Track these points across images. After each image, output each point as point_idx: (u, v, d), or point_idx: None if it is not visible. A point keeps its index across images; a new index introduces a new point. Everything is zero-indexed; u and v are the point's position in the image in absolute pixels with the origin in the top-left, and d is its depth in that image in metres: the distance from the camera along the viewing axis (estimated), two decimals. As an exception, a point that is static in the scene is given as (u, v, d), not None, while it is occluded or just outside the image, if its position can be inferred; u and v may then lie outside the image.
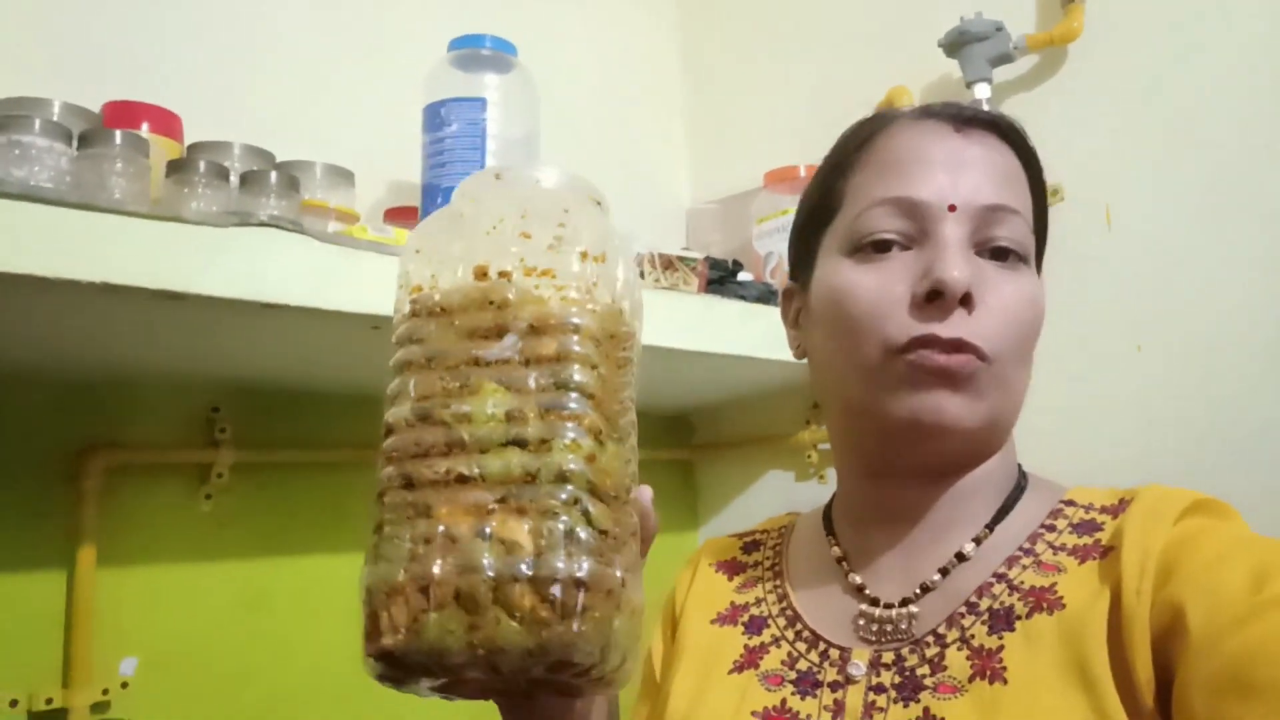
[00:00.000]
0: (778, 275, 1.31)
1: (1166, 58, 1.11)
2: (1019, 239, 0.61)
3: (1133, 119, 1.13)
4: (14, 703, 0.93)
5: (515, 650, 0.39)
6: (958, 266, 0.58)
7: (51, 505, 0.98)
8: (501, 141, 1.03)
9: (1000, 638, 0.57)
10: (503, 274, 0.46)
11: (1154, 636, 0.52)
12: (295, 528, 1.14)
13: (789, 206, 1.31)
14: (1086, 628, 0.54)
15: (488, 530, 0.40)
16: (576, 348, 0.45)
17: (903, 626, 0.61)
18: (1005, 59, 1.18)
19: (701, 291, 1.15)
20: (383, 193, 1.23)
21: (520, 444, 0.42)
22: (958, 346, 0.58)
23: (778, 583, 0.70)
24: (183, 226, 0.73)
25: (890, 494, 0.65)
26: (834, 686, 0.61)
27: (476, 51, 1.05)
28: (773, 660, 0.64)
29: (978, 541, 0.62)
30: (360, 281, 0.81)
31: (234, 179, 0.90)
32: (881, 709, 0.58)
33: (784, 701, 0.61)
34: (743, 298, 1.18)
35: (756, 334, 1.15)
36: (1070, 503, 0.64)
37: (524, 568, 0.40)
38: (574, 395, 0.43)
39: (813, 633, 0.64)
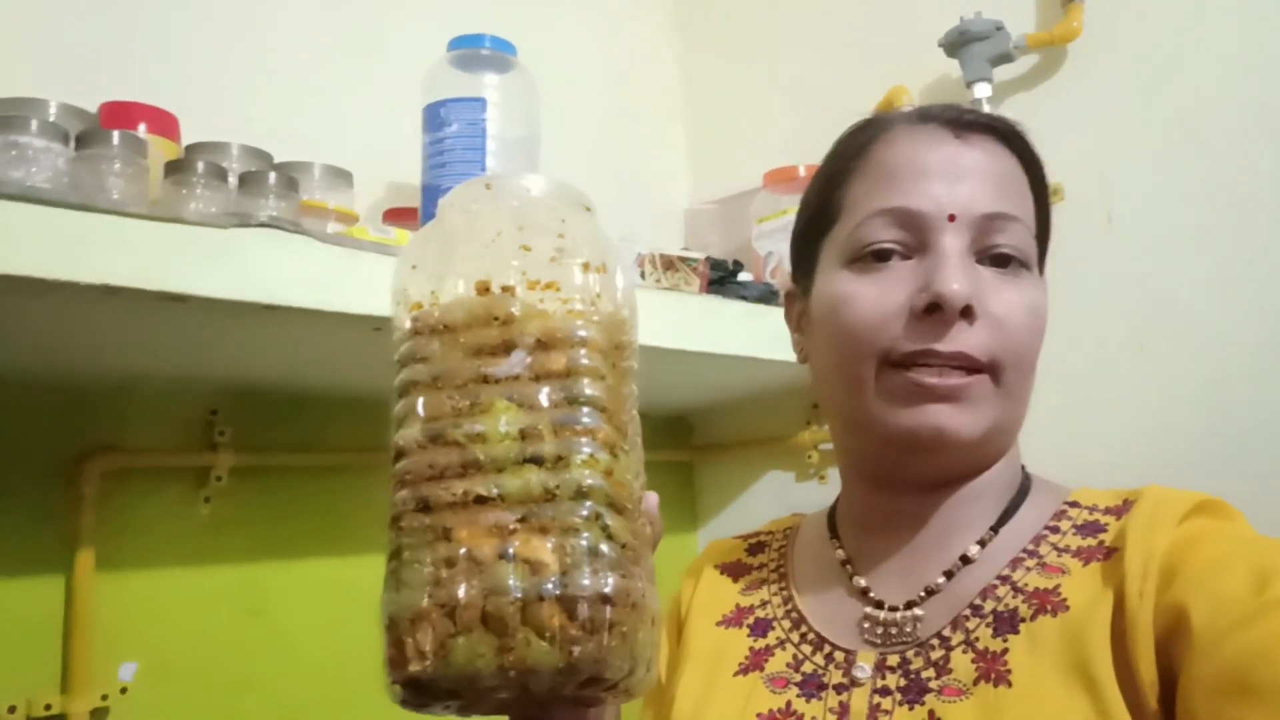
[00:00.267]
0: (778, 275, 1.30)
1: (1166, 57, 1.11)
2: (1020, 245, 0.61)
3: (1133, 118, 1.13)
4: (12, 709, 0.92)
5: (547, 670, 0.39)
6: (957, 279, 0.57)
7: (49, 509, 0.97)
8: (501, 142, 1.02)
9: (1005, 640, 0.57)
10: (506, 288, 0.46)
11: (1157, 638, 0.52)
12: (294, 531, 1.13)
13: (788, 206, 1.31)
14: (1090, 629, 0.54)
15: (511, 551, 0.40)
16: (585, 361, 0.44)
17: (907, 629, 0.61)
18: (1005, 59, 1.18)
19: (703, 292, 1.14)
20: (381, 193, 1.23)
21: (537, 462, 0.42)
22: (957, 360, 0.58)
23: (782, 585, 0.70)
24: (183, 228, 0.72)
25: (893, 501, 0.65)
26: (839, 689, 0.61)
27: (476, 51, 1.05)
28: (778, 663, 0.64)
29: (982, 544, 0.62)
30: (361, 283, 0.80)
31: (232, 180, 0.90)
32: (886, 712, 0.58)
33: (789, 704, 0.61)
34: (744, 298, 1.18)
35: (758, 334, 1.15)
36: (1074, 504, 0.64)
37: (551, 587, 0.40)
38: (586, 410, 0.43)
39: (818, 635, 0.64)
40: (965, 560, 0.62)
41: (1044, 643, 0.55)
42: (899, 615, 0.62)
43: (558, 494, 0.41)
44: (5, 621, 0.94)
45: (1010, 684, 0.55)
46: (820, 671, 0.62)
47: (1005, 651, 0.56)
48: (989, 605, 0.59)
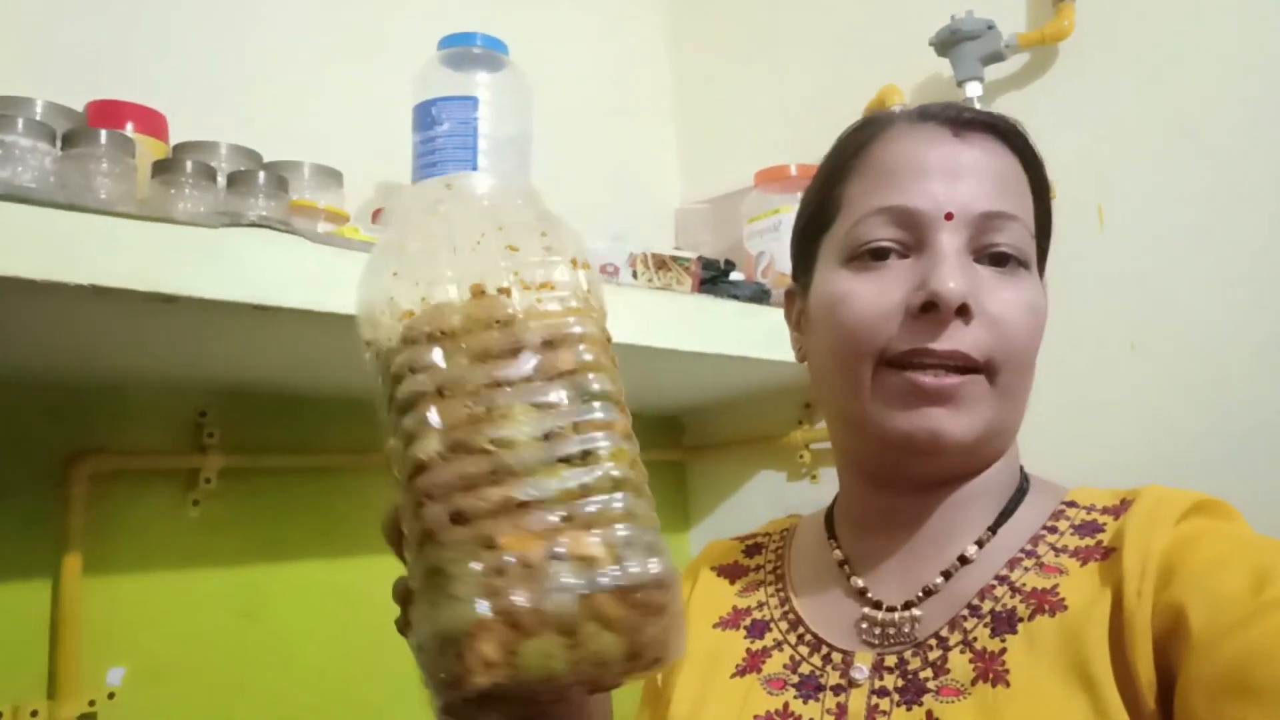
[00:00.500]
0: (769, 275, 1.30)
1: (1158, 56, 1.11)
2: (1018, 244, 0.61)
3: (1125, 117, 1.13)
4: (-1, 715, 0.92)
5: (618, 659, 0.41)
6: (954, 278, 0.57)
7: (37, 512, 0.96)
8: (492, 141, 1.02)
9: (1003, 640, 0.57)
10: (502, 290, 0.45)
11: (1155, 638, 0.52)
12: (285, 534, 1.12)
13: (780, 206, 1.31)
14: (1088, 629, 0.54)
15: (561, 550, 0.40)
16: (589, 356, 0.45)
17: (905, 630, 0.61)
18: (996, 58, 1.18)
19: (695, 291, 1.14)
20: (372, 193, 1.22)
21: (567, 461, 0.42)
22: (954, 359, 0.58)
23: (780, 586, 0.70)
24: (173, 227, 0.71)
25: (891, 501, 0.65)
26: (837, 690, 0.60)
27: (467, 50, 1.04)
28: (775, 664, 0.64)
29: (980, 545, 0.62)
30: (352, 283, 0.79)
31: (221, 179, 0.89)
32: (884, 712, 0.58)
33: (786, 705, 0.61)
34: (735, 297, 1.18)
35: (750, 334, 1.15)
36: (1072, 504, 0.64)
37: (607, 579, 0.40)
38: (599, 404, 0.44)
39: (815, 636, 0.64)
40: (963, 561, 0.62)
41: (1042, 643, 0.55)
42: (897, 616, 0.62)
43: (594, 489, 0.42)
44: (-8, 626, 0.93)
45: (1008, 684, 0.55)
46: (818, 673, 0.62)
47: (1003, 652, 0.56)
48: (987, 605, 0.59)
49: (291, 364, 1.00)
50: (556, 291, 0.46)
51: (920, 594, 0.62)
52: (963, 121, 0.63)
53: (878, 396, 0.60)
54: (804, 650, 0.64)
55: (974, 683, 0.56)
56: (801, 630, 0.65)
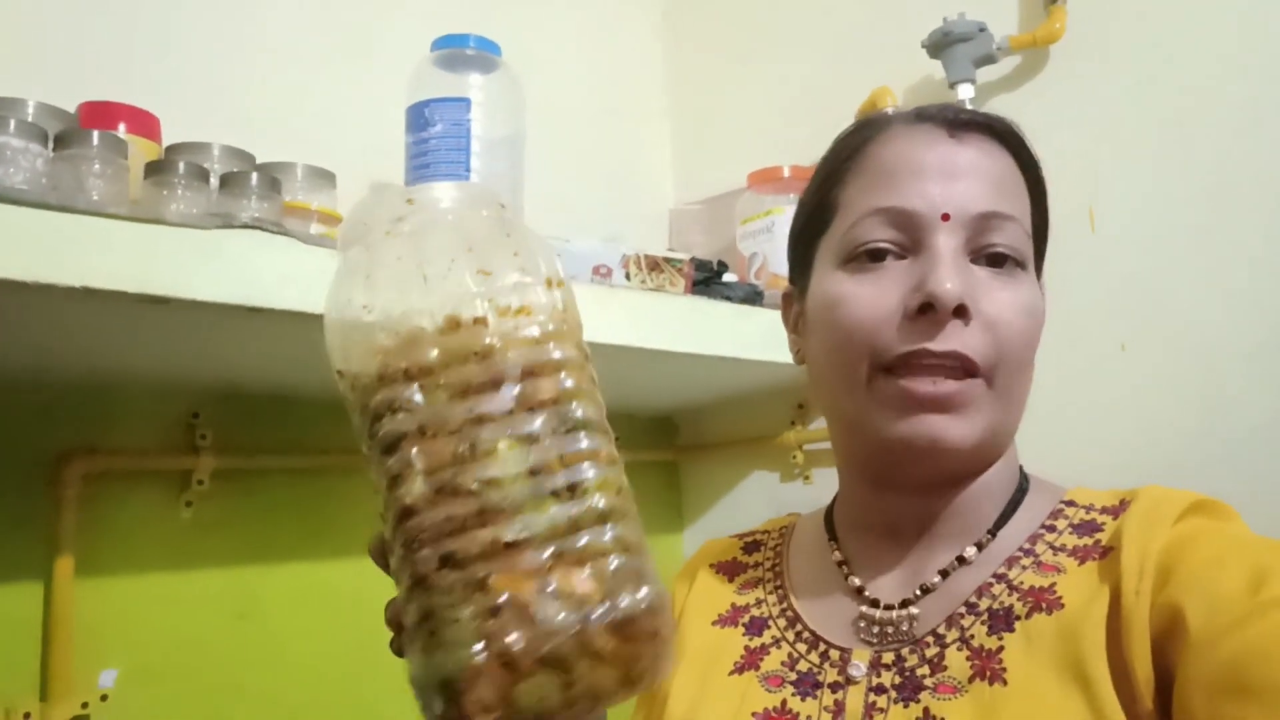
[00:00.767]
0: (762, 276, 1.31)
1: (1149, 59, 1.12)
2: (1015, 245, 0.61)
3: (1115, 119, 1.14)
4: (-10, 716, 0.91)
5: (613, 690, 0.41)
6: (950, 279, 0.57)
7: (28, 513, 0.96)
8: (486, 142, 1.02)
9: (1000, 638, 0.57)
10: (477, 320, 0.44)
11: (1153, 637, 0.52)
12: (278, 535, 1.12)
13: (772, 207, 1.31)
14: (1085, 628, 0.54)
15: (552, 588, 0.40)
16: (570, 383, 0.44)
17: (903, 628, 0.61)
18: (988, 60, 1.19)
19: (687, 292, 1.14)
20: (365, 194, 1.22)
21: (555, 495, 0.42)
22: (951, 359, 0.58)
23: (778, 584, 0.70)
24: (166, 229, 0.71)
25: (891, 504, 0.65)
26: (834, 687, 0.61)
27: (460, 51, 1.04)
28: (773, 661, 0.64)
29: (979, 546, 0.62)
30: (345, 284, 0.80)
31: (214, 180, 0.89)
32: (882, 710, 0.58)
33: (784, 703, 0.62)
34: (728, 298, 1.18)
35: (743, 335, 1.15)
36: (1071, 503, 0.64)
37: (600, 614, 0.40)
38: (583, 433, 0.43)
39: (813, 634, 0.64)
40: (962, 561, 0.62)
41: (1039, 641, 0.55)
42: (894, 614, 0.62)
43: (581, 523, 0.41)
44: (-17, 627, 0.93)
45: (1005, 682, 0.55)
46: (815, 670, 0.62)
47: (1000, 650, 0.56)
48: (984, 603, 0.59)
49: (284, 365, 1.00)
50: (533, 316, 0.45)
51: (918, 592, 0.62)
52: (959, 122, 0.63)
53: (875, 404, 0.60)
54: (802, 648, 0.64)
55: (971, 680, 0.56)
56: (799, 628, 0.66)
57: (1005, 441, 0.64)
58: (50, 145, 0.79)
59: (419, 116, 1.02)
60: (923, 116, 0.64)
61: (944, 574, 0.62)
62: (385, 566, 0.46)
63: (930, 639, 0.59)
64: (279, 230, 0.78)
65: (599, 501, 0.42)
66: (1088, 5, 1.16)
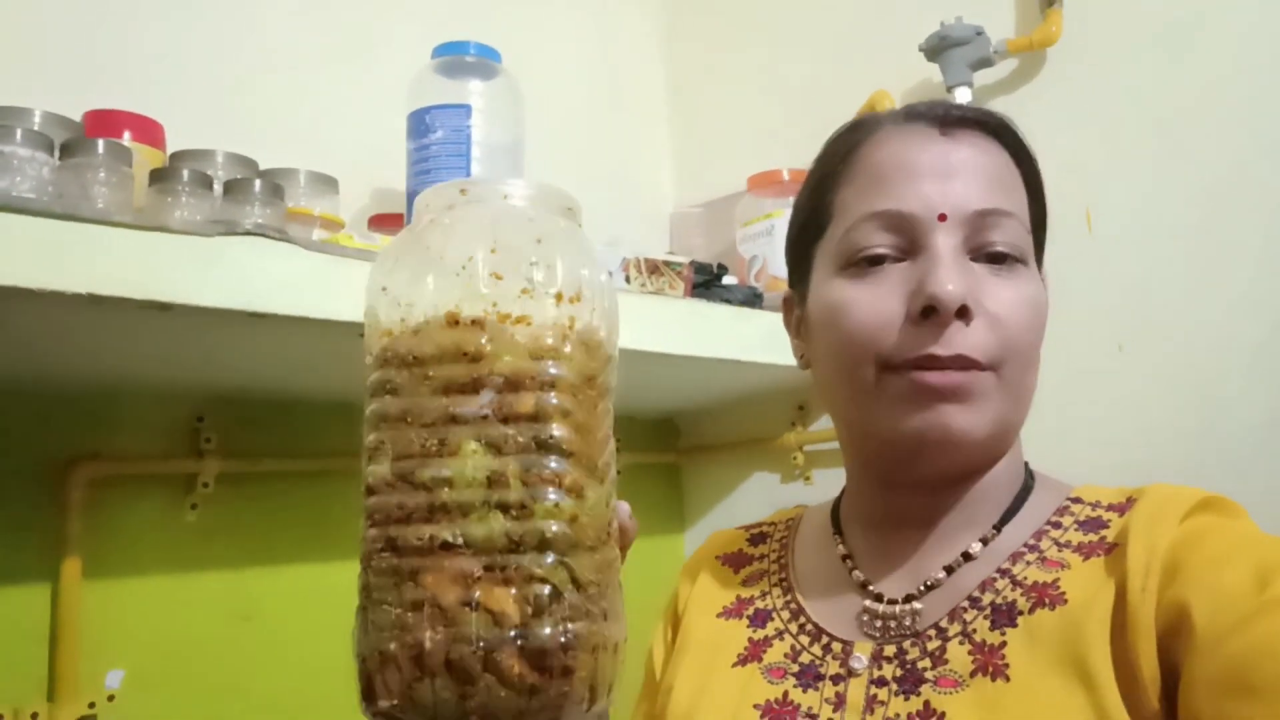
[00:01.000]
0: (762, 278, 1.31)
1: (1145, 62, 1.12)
2: (1015, 241, 0.60)
3: (1112, 122, 1.14)
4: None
5: (509, 713, 0.41)
6: (951, 279, 0.57)
7: (36, 517, 0.97)
8: (486, 148, 1.03)
9: (1003, 633, 0.57)
10: (475, 321, 0.44)
11: (1159, 635, 0.52)
12: (282, 537, 1.13)
13: (772, 210, 1.32)
14: (1088, 624, 0.54)
15: (475, 599, 0.40)
16: (554, 401, 0.43)
17: (906, 622, 0.61)
18: (985, 63, 1.19)
19: (687, 295, 1.15)
20: (367, 200, 1.23)
21: (503, 508, 0.41)
22: (958, 363, 0.57)
23: (783, 576, 0.71)
24: (169, 236, 0.72)
25: (899, 501, 0.65)
26: (836, 679, 0.61)
27: (461, 58, 1.05)
28: (776, 653, 0.65)
29: (984, 542, 0.62)
30: (348, 289, 0.81)
31: (217, 187, 0.90)
32: (883, 702, 0.58)
33: (786, 694, 0.62)
34: (728, 301, 1.19)
35: (743, 337, 1.16)
36: (1077, 500, 0.64)
37: (513, 636, 0.40)
38: (554, 456, 0.42)
39: (816, 626, 0.65)
40: (967, 556, 0.62)
41: (1042, 637, 0.55)
42: (897, 608, 0.62)
43: (522, 543, 0.41)
44: (-8, 630, 0.94)
45: (1008, 678, 0.55)
46: (817, 662, 0.62)
47: (1003, 645, 0.56)
48: (987, 598, 0.59)
49: (288, 370, 1.01)
50: (532, 327, 0.44)
51: (922, 588, 0.62)
52: (951, 120, 0.62)
53: (885, 400, 0.59)
54: (804, 640, 0.64)
55: (973, 675, 0.56)
56: (803, 620, 0.66)
57: (1012, 435, 0.64)
58: (56, 154, 0.80)
59: (420, 123, 1.03)
60: (913, 115, 0.64)
61: (949, 570, 0.62)
62: None
63: (932, 632, 0.59)
64: (281, 236, 0.79)
65: (548, 528, 0.41)
66: (1084, 8, 1.16)
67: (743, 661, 0.66)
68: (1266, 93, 1.04)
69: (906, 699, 0.57)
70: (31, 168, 0.77)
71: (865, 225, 0.61)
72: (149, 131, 0.94)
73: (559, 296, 0.45)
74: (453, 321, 0.44)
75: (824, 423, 1.38)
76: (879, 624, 0.62)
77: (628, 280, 1.10)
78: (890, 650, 0.60)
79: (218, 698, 1.05)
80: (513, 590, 0.41)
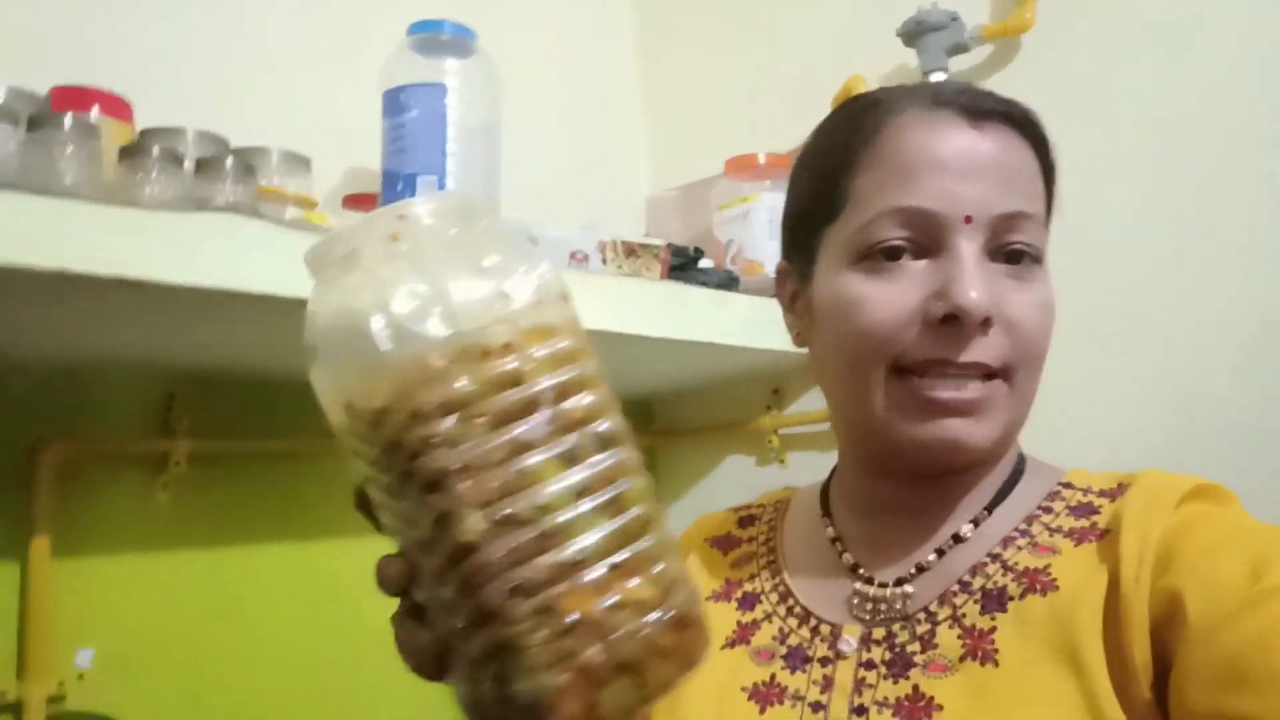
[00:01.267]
0: (738, 262, 1.32)
1: (1118, 48, 1.13)
2: (1033, 242, 0.59)
3: (1086, 109, 1.15)
4: (-33, 697, 0.92)
5: (676, 679, 0.44)
6: (975, 287, 0.56)
7: (5, 497, 0.96)
8: (462, 128, 1.02)
9: (993, 618, 0.57)
10: (505, 346, 0.43)
11: (1152, 623, 0.52)
12: (254, 518, 1.13)
13: (749, 194, 1.32)
14: (1079, 611, 0.54)
15: (615, 600, 0.42)
16: (593, 398, 0.44)
17: (896, 606, 0.61)
18: (961, 49, 1.20)
19: (664, 278, 1.15)
20: (340, 179, 1.22)
21: (603, 512, 0.43)
22: (974, 370, 0.57)
23: (772, 559, 0.70)
24: (141, 213, 0.71)
25: (892, 489, 0.65)
26: (824, 662, 0.61)
27: (436, 36, 1.04)
28: (764, 636, 0.65)
29: (975, 524, 0.62)
30: (321, 268, 0.80)
31: (188, 165, 0.89)
32: (871, 685, 0.58)
33: (773, 676, 0.62)
34: (704, 284, 1.19)
35: (719, 321, 1.16)
36: (1068, 485, 0.64)
37: (660, 615, 0.43)
38: (615, 448, 0.44)
39: (804, 609, 0.65)
40: (957, 539, 0.62)
41: (1032, 623, 0.55)
42: (888, 592, 0.62)
43: (629, 534, 0.43)
44: (-41, 610, 0.93)
45: (997, 663, 0.55)
46: (806, 645, 0.62)
47: (993, 630, 0.56)
48: (978, 582, 0.59)
49: (260, 349, 1.00)
50: (556, 335, 0.45)
51: (912, 571, 0.62)
52: (980, 110, 0.60)
53: (892, 404, 0.59)
54: (793, 622, 0.64)
55: (962, 660, 0.56)
56: (791, 603, 0.66)
57: (1016, 434, 0.64)
58: (22, 128, 0.79)
59: (394, 102, 1.02)
60: (940, 101, 0.61)
61: (939, 553, 0.62)
62: (368, 514, 0.46)
63: (922, 616, 0.60)
64: (255, 214, 0.78)
65: (640, 511, 0.44)
66: (1058, -5, 1.17)
67: (731, 644, 0.66)
68: (1242, 79, 1.04)
69: (895, 682, 0.57)
70: (-3, 142, 0.76)
71: (885, 220, 0.59)
72: (117, 107, 0.93)
73: (563, 297, 0.46)
74: (484, 354, 0.43)
75: (799, 406, 1.39)
76: (868, 607, 0.62)
77: (604, 262, 1.10)
78: (879, 633, 0.60)
79: (188, 677, 1.05)
80: (639, 576, 0.43)
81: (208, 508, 1.09)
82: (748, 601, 0.68)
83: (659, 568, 0.43)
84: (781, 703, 0.61)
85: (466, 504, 0.42)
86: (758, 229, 1.30)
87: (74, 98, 0.90)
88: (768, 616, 0.66)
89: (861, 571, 0.64)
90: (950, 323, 0.57)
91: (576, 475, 0.43)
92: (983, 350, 0.57)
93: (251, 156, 0.97)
